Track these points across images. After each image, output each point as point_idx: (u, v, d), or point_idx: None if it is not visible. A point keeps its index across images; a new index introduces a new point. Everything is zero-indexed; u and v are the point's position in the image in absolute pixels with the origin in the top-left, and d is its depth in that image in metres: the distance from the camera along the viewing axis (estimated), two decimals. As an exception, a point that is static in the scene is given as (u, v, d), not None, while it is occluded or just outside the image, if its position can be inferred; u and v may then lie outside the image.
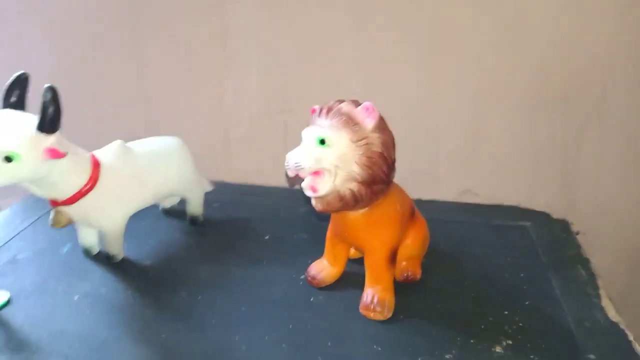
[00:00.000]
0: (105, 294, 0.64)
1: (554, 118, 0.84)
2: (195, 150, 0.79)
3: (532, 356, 0.55)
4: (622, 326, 0.60)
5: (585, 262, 0.72)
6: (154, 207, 0.85)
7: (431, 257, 0.72)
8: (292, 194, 0.91)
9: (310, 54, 0.87)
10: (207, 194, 0.86)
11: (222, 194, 0.90)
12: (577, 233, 0.86)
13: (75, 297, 0.63)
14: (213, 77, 0.91)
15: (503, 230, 0.81)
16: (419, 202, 0.87)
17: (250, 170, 0.97)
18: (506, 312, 0.62)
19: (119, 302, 0.63)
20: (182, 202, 0.80)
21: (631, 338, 0.58)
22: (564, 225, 0.83)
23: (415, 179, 0.92)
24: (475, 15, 0.79)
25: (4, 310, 0.61)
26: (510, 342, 0.57)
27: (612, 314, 0.62)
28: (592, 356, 0.55)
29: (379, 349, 0.56)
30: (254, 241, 0.76)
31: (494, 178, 0.91)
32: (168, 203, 0.83)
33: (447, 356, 0.55)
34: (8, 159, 0.51)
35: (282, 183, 0.95)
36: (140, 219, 0.82)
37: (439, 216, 0.84)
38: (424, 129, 0.88)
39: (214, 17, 0.87)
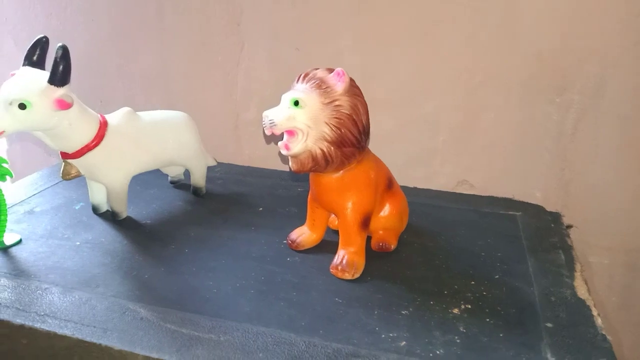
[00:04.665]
0: (104, 242, 0.71)
1: (551, 110, 0.85)
2: (207, 132, 0.85)
3: (487, 319, 0.56)
4: (588, 303, 0.60)
5: (567, 248, 0.72)
6: (164, 178, 0.92)
7: (412, 234, 0.74)
8: (291, 177, 0.96)
9: (315, 41, 0.92)
10: (213, 173, 0.93)
11: (227, 174, 0.97)
12: (570, 227, 0.86)
13: (77, 243, 0.70)
14: (227, 61, 0.98)
15: (490, 217, 0.82)
16: (414, 190, 0.90)
17: (257, 155, 1.03)
18: (472, 283, 0.63)
19: (114, 249, 0.69)
20: (189, 176, 0.87)
21: (595, 313, 0.58)
22: (555, 217, 0.83)
23: (412, 169, 0.95)
24: (472, 2, 0.82)
25: (14, 247, 0.68)
26: (469, 306, 0.59)
27: (582, 293, 0.62)
28: (549, 324, 0.56)
29: (340, 301, 0.59)
30: (248, 211, 0.82)
31: (490, 171, 0.92)
32: (174, 173, 0.90)
33: (403, 312, 0.57)
34: (22, 106, 0.59)
35: (285, 168, 1.00)
36: (150, 187, 0.89)
37: (430, 202, 0.87)
38: (419, 119, 0.91)
39: (229, 6, 0.95)
